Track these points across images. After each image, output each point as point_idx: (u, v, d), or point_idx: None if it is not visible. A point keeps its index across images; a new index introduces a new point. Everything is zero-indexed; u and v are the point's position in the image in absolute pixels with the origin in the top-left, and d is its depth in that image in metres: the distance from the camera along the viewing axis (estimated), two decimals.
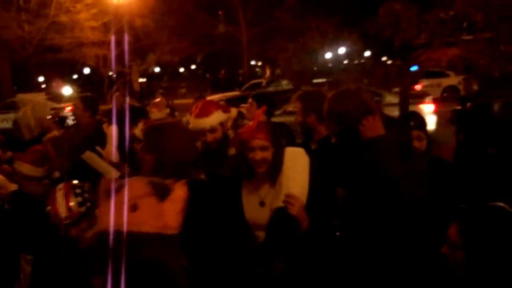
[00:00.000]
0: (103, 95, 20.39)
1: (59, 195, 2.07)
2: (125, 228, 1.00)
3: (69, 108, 13.58)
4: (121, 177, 2.50)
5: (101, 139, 3.54)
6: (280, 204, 2.01)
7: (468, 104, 6.08)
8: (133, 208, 1.00)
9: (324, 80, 15.91)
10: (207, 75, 31.51)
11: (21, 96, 5.16)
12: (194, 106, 2.68)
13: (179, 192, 1.08)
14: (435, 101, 9.81)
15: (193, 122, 2.57)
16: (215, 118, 2.52)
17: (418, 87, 13.25)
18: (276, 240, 2.04)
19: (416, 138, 2.45)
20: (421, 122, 2.59)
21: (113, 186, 1.09)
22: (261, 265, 2.04)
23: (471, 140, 5.73)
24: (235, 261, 1.97)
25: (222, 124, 2.56)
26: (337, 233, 2.16)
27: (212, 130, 2.51)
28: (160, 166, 1.89)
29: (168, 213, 1.03)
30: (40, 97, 16.26)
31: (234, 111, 2.74)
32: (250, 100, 3.59)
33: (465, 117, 5.98)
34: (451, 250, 1.51)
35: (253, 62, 32.76)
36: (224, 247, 1.90)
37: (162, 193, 1.05)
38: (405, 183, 1.84)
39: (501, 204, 1.51)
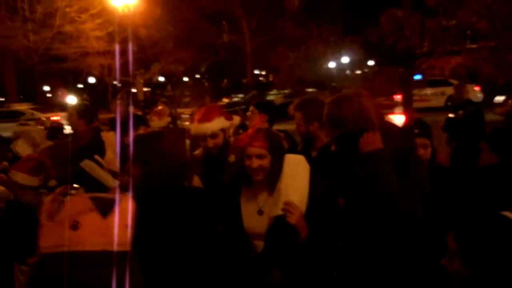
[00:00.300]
0: (108, 104, 20.49)
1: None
2: (66, 249, 0.92)
3: (55, 118, 13.50)
4: (121, 186, 2.46)
5: (100, 147, 3.50)
6: (279, 212, 1.96)
7: (460, 112, 6.05)
8: (74, 227, 0.92)
9: (314, 90, 15.84)
10: (206, 84, 31.52)
11: (16, 128, 5.17)
12: (197, 112, 2.65)
13: (125, 205, 1.00)
14: (406, 112, 9.83)
15: (195, 127, 2.55)
16: (217, 123, 2.49)
17: (398, 97, 13.25)
18: (274, 250, 1.99)
19: (421, 146, 2.40)
20: (426, 129, 2.53)
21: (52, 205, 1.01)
22: (258, 276, 1.99)
23: (462, 147, 5.72)
24: (230, 271, 1.92)
25: (224, 130, 2.53)
26: (339, 243, 2.10)
27: (213, 135, 2.48)
28: (145, 176, 1.86)
29: (114, 228, 0.96)
30: (26, 107, 16.24)
31: (237, 119, 2.70)
32: (251, 108, 3.55)
33: (456, 125, 5.96)
34: (449, 260, 1.46)
35: (257, 72, 32.82)
36: (217, 256, 1.86)
37: (105, 208, 0.97)
38: (402, 197, 1.79)
39: (508, 213, 1.45)
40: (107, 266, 0.91)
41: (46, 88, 29.23)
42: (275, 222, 2.00)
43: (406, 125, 3.12)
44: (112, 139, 3.73)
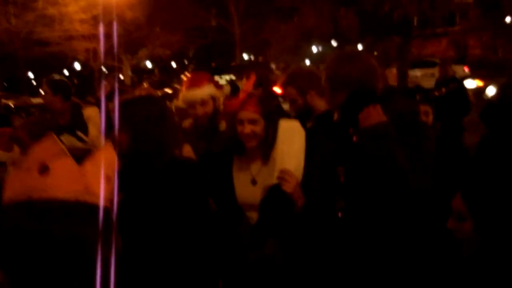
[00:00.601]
0: (94, 90, 20.07)
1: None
2: (31, 196, 0.76)
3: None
4: None
5: (81, 124, 3.31)
6: (274, 181, 1.83)
7: (443, 89, 6.08)
8: (43, 170, 0.76)
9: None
10: (190, 70, 30.91)
11: None
12: (184, 81, 2.49)
13: (106, 154, 0.84)
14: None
15: (184, 95, 2.40)
16: (207, 90, 2.35)
17: None
18: (268, 221, 1.86)
19: (423, 113, 2.31)
20: (427, 96, 2.43)
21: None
22: (252, 249, 1.86)
23: (447, 126, 5.75)
24: (222, 245, 1.79)
25: (214, 99, 2.37)
26: (339, 214, 1.97)
27: (203, 102, 2.33)
28: (134, 143, 1.73)
29: (89, 176, 0.79)
30: None
31: (227, 88, 2.54)
32: (244, 81, 3.39)
33: (438, 103, 5.98)
34: (457, 223, 1.35)
35: (246, 58, 32.43)
36: (208, 229, 1.73)
37: (80, 154, 0.82)
38: (411, 170, 1.67)
39: None
40: (80, 219, 0.75)
41: (31, 75, 28.58)
42: (269, 192, 1.87)
43: (407, 91, 3.00)
44: (95, 115, 3.53)
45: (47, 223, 0.73)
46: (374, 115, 1.68)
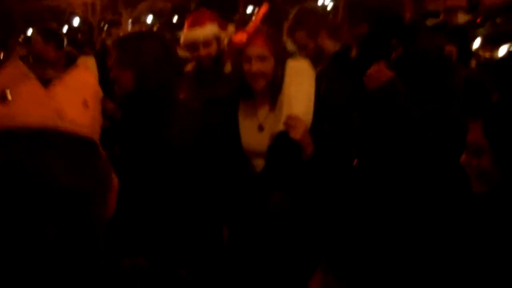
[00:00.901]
0: (94, 45, 19.62)
1: None
2: None
3: None
4: (104, 113, 2.17)
5: None
6: (281, 127, 1.70)
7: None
8: (3, 98, 0.62)
9: None
10: None
11: None
12: (186, 20, 2.28)
13: (79, 75, 0.69)
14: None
15: (185, 35, 2.20)
16: (210, 29, 2.14)
17: None
18: (275, 169, 1.74)
19: (448, 53, 2.12)
20: (453, 36, 2.24)
21: None
22: (257, 198, 1.75)
23: None
24: (226, 194, 1.69)
25: (217, 39, 2.17)
26: (354, 163, 1.85)
27: (206, 43, 2.13)
28: (140, 80, 1.59)
29: (60, 100, 0.63)
30: None
31: (231, 28, 2.32)
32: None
33: None
34: (473, 158, 1.20)
35: (249, 11, 31.49)
36: (212, 176, 1.62)
37: (47, 78, 0.67)
38: (428, 120, 1.58)
39: None
40: (53, 148, 0.61)
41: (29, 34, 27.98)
42: (276, 139, 1.74)
43: (435, 27, 2.78)
44: (91, 64, 3.35)
45: (11, 156, 0.59)
46: (379, 74, 1.54)
